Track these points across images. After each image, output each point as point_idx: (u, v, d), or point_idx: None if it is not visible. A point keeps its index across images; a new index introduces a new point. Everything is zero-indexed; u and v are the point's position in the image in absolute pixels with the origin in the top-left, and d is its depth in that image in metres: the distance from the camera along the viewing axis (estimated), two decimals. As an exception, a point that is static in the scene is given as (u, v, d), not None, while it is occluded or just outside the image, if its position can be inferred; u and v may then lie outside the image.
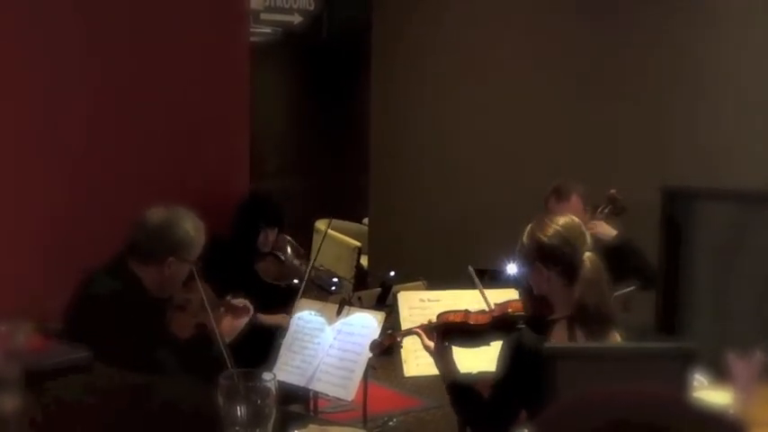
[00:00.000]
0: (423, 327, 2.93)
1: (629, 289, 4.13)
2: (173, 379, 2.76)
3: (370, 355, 3.27)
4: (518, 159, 6.26)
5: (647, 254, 4.29)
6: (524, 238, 2.73)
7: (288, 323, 3.72)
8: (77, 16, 4.11)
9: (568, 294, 2.62)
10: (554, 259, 2.64)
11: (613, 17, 5.74)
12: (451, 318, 2.91)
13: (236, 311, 3.37)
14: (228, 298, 3.40)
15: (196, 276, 3.19)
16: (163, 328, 3.13)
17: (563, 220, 2.71)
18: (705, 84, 5.30)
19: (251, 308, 3.41)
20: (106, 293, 3.06)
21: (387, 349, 3.09)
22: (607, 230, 4.26)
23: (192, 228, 3.20)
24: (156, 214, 3.20)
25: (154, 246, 3.13)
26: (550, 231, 2.66)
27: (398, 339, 3.05)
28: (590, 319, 2.58)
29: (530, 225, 2.75)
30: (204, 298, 3.12)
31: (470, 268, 3.50)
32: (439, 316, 2.94)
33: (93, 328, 2.84)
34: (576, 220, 2.77)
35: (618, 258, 3.65)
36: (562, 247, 2.64)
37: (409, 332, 2.99)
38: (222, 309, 3.33)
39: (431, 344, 2.88)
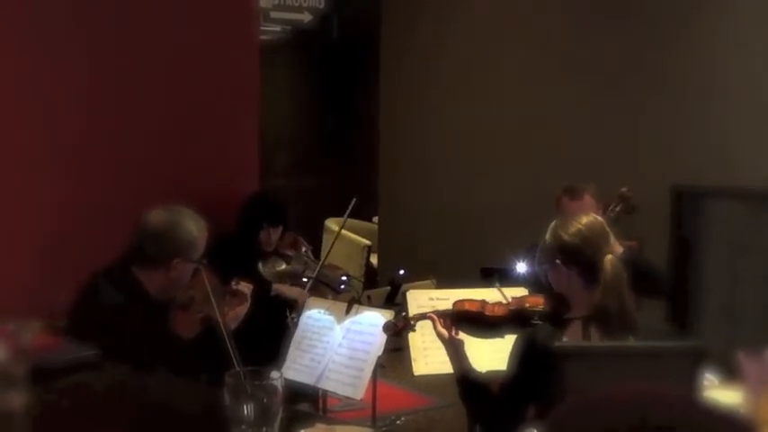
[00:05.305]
0: (437, 312, 2.91)
1: None
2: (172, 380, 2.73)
3: (380, 353, 3.27)
4: (528, 158, 6.24)
5: (656, 259, 4.23)
6: (547, 236, 2.69)
7: (304, 300, 3.72)
8: (83, 16, 4.11)
9: (587, 295, 2.59)
10: (574, 259, 2.61)
11: (626, 19, 5.72)
12: (467, 306, 2.88)
13: (240, 296, 3.28)
14: (233, 283, 3.30)
15: (202, 272, 3.12)
16: (166, 333, 3.06)
17: (586, 219, 2.68)
18: (716, 83, 5.28)
19: (248, 295, 3.30)
20: (110, 306, 2.99)
21: (399, 331, 3.08)
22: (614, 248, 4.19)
23: (194, 227, 3.14)
24: (156, 216, 3.12)
25: (159, 249, 3.07)
26: (573, 230, 2.63)
27: (412, 323, 3.03)
28: (610, 322, 2.54)
29: (553, 223, 2.71)
30: (209, 290, 3.04)
31: None
32: (455, 303, 2.91)
33: (98, 339, 2.80)
34: (600, 220, 2.73)
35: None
36: (583, 248, 2.60)
37: (423, 316, 2.96)
38: (227, 295, 3.25)
39: (444, 331, 2.85)
